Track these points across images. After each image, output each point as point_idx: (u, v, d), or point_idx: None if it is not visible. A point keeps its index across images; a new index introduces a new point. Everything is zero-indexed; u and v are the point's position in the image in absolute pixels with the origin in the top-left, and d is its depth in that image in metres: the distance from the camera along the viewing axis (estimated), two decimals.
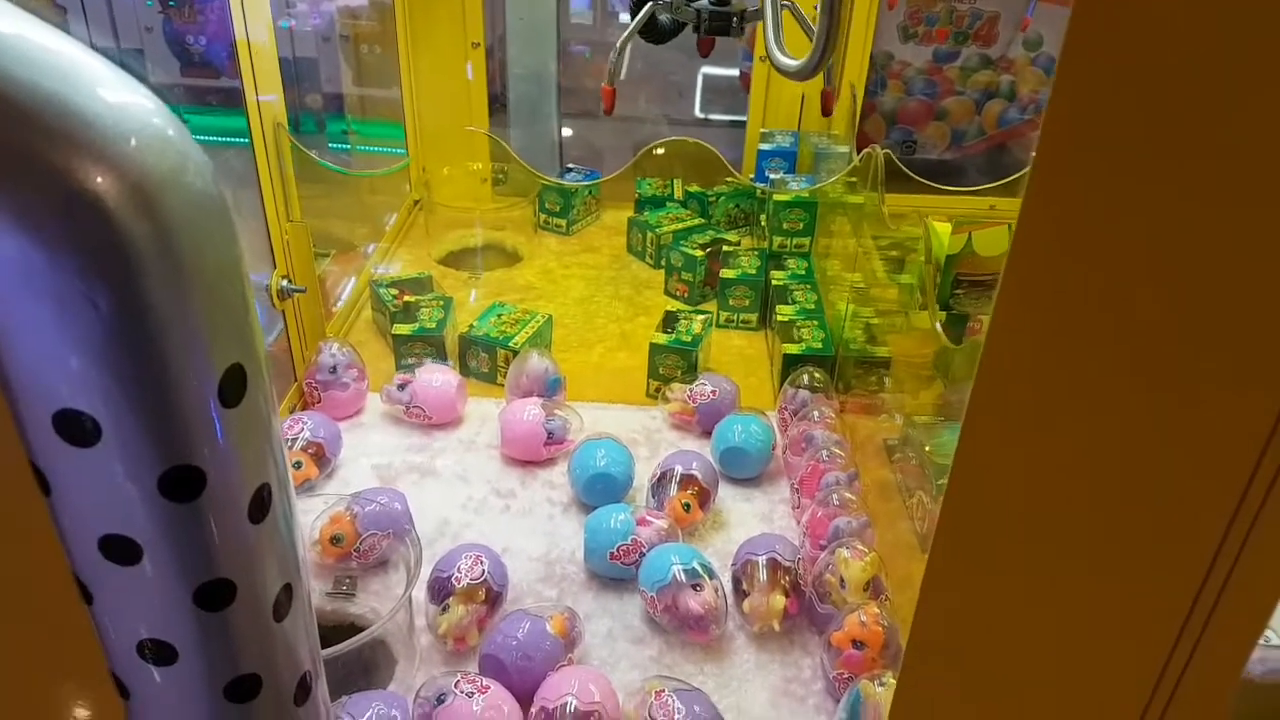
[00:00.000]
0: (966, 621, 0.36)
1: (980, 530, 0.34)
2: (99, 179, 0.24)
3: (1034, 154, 0.28)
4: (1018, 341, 0.30)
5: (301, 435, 0.97)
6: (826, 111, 0.88)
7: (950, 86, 1.87)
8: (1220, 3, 0.24)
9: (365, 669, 0.73)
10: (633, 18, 0.82)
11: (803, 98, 1.52)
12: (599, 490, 0.92)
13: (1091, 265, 0.28)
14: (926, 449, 0.87)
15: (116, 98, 0.26)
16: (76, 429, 0.26)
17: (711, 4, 0.74)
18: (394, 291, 1.27)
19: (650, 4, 0.80)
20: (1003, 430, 0.32)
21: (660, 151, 1.56)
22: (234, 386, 0.29)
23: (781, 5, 0.71)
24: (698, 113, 2.28)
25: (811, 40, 0.78)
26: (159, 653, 0.32)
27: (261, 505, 0.32)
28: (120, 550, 0.29)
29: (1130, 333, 0.29)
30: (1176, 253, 0.28)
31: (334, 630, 0.81)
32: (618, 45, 0.86)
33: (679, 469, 0.92)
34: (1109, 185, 0.27)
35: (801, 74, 0.59)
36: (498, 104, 1.88)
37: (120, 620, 0.31)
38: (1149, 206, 0.27)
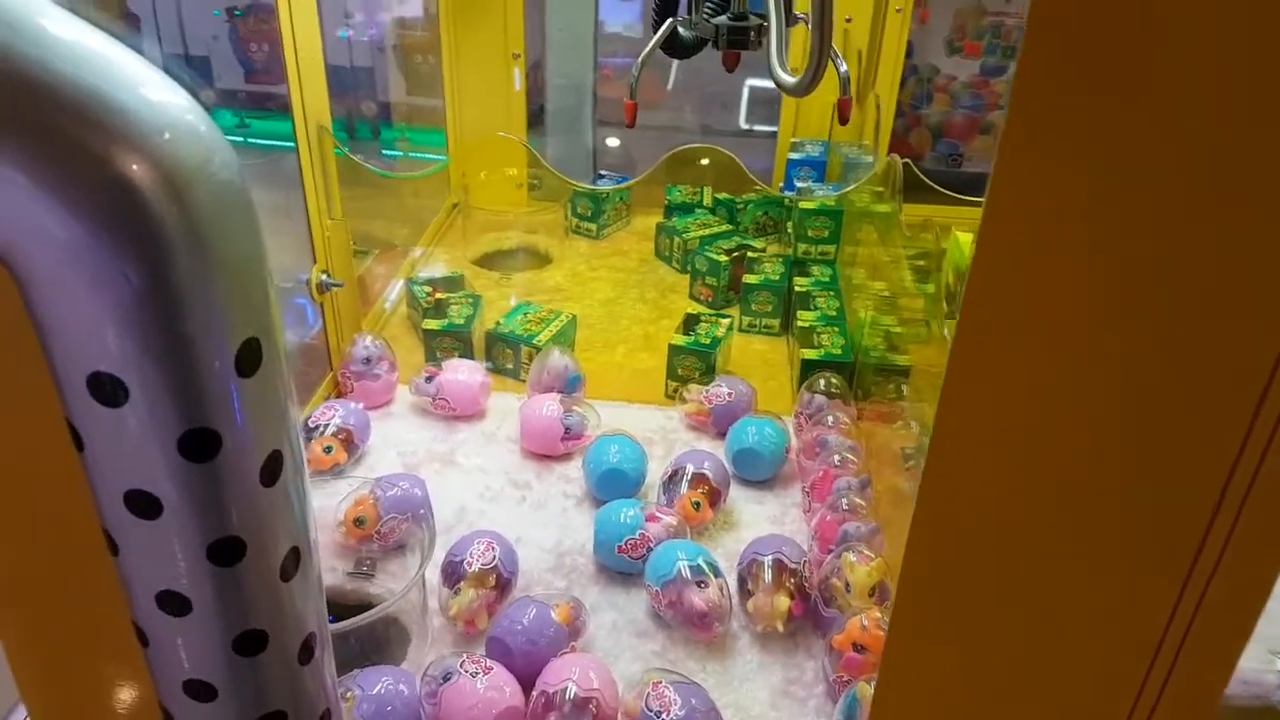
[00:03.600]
0: (942, 627, 0.37)
1: (953, 536, 0.34)
2: (135, 167, 0.26)
3: (998, 147, 0.29)
4: (987, 341, 0.30)
5: (333, 421, 1.01)
6: (844, 120, 0.90)
7: (997, 100, 1.87)
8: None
9: (379, 645, 0.76)
10: (655, 32, 0.84)
11: (834, 108, 1.54)
12: (611, 485, 0.94)
13: (1058, 264, 0.29)
14: None
15: (154, 95, 0.28)
16: (107, 390, 0.28)
17: (730, 19, 0.76)
18: (427, 289, 1.31)
19: (671, 20, 0.83)
20: (974, 431, 0.32)
21: (704, 162, 1.59)
22: (249, 358, 0.31)
23: (795, 19, 0.73)
24: (742, 124, 2.30)
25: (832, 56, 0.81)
26: (175, 604, 0.33)
27: (272, 470, 0.33)
28: (143, 505, 0.31)
29: (1100, 340, 0.29)
30: (1143, 249, 0.28)
31: (354, 609, 0.84)
32: (638, 60, 0.89)
33: (690, 468, 0.94)
34: (1075, 175, 0.27)
35: (798, 90, 0.61)
36: (538, 115, 1.91)
37: (142, 572, 0.33)
38: (1114, 197, 0.28)
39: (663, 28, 0.84)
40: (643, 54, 0.87)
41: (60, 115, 0.26)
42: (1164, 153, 0.27)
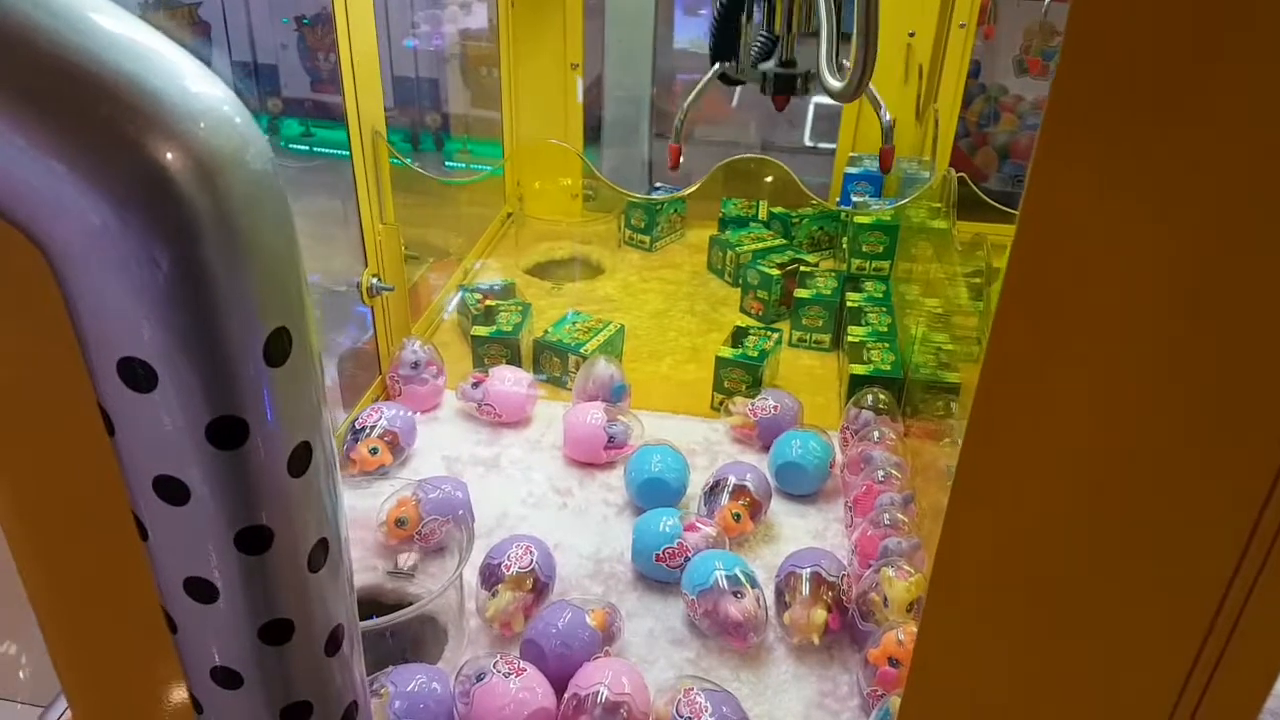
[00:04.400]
0: (969, 641, 0.36)
1: (981, 552, 0.34)
2: (169, 154, 0.27)
3: (1031, 162, 0.28)
4: (1018, 354, 0.30)
5: (380, 424, 1.03)
6: (885, 169, 0.89)
7: None
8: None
9: (416, 643, 0.77)
10: (712, 64, 0.83)
11: (894, 123, 1.52)
12: (652, 494, 0.94)
13: (1090, 276, 0.28)
14: None
15: (192, 86, 0.28)
16: (136, 375, 0.29)
17: (777, 66, 0.75)
18: (478, 296, 1.32)
19: (718, 65, 0.82)
20: (1003, 445, 0.32)
21: (768, 179, 1.58)
22: (279, 347, 0.31)
23: (844, 34, 0.72)
24: (806, 141, 2.29)
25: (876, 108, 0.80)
26: (203, 591, 0.34)
27: (301, 461, 0.33)
28: (171, 490, 0.31)
29: (1134, 355, 0.29)
30: (1175, 265, 0.28)
31: (393, 608, 0.85)
32: (683, 106, 0.88)
33: (732, 479, 0.93)
34: (1108, 190, 0.27)
35: (843, 96, 0.61)
36: (596, 128, 1.92)
37: (170, 558, 0.33)
38: (1147, 211, 0.27)
39: (708, 75, 0.83)
40: (688, 100, 0.86)
41: (98, 101, 0.26)
42: (1200, 168, 0.26)
